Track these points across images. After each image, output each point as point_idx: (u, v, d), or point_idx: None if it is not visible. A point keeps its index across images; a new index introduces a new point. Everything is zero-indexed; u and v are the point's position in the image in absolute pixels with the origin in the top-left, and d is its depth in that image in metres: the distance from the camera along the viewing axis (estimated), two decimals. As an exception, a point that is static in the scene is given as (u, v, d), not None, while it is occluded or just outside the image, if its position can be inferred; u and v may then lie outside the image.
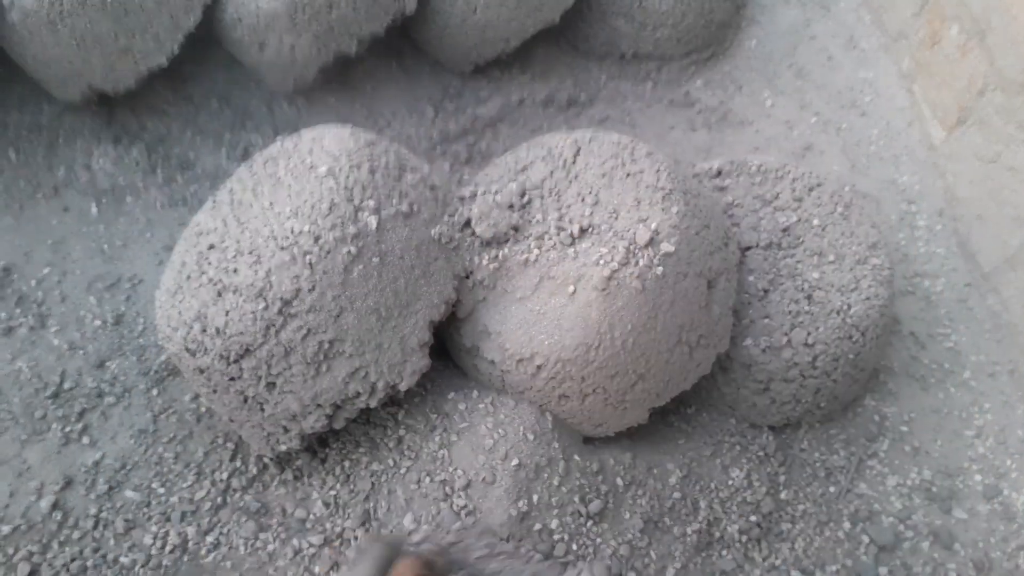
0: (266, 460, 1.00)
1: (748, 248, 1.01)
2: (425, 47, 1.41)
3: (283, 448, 0.93)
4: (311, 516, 0.95)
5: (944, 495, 1.04)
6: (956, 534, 1.01)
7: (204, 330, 0.84)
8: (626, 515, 0.90)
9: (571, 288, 0.88)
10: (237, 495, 0.98)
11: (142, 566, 0.93)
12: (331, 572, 0.93)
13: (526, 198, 0.94)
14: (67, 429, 1.01)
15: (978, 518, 1.03)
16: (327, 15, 1.21)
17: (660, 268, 0.86)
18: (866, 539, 0.98)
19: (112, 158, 1.25)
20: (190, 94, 1.34)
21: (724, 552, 0.94)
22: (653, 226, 0.87)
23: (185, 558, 0.94)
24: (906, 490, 1.04)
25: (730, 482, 0.98)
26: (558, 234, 0.91)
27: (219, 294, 0.84)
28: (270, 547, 0.94)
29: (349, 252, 0.83)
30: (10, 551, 0.92)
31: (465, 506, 0.86)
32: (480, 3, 1.27)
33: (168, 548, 0.95)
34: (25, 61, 1.18)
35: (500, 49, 1.35)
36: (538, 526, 0.86)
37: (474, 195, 0.99)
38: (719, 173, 1.08)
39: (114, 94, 1.23)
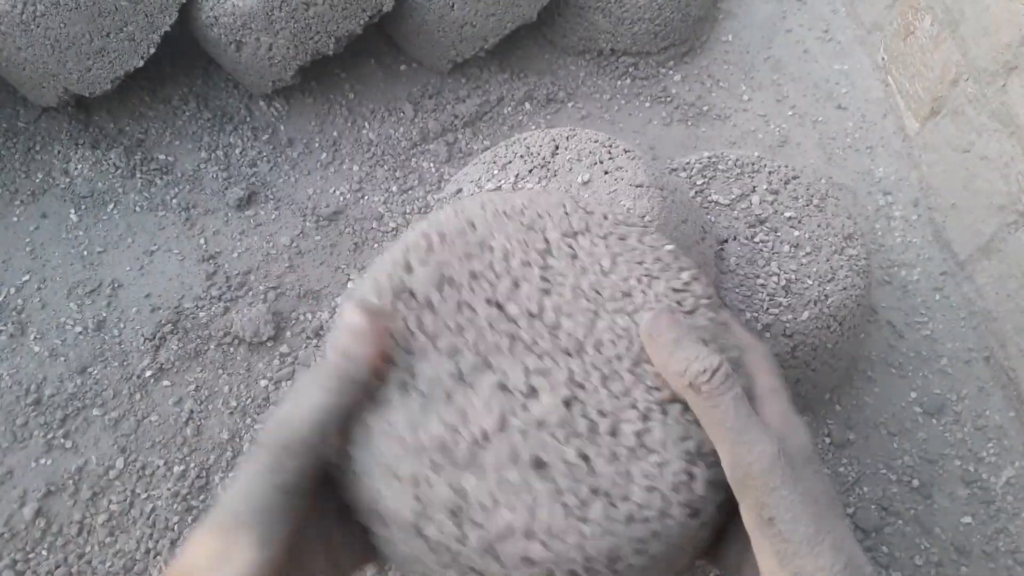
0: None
1: (725, 241, 1.02)
2: (403, 45, 1.41)
3: None
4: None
5: (924, 481, 1.05)
6: (937, 519, 1.03)
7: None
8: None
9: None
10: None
11: (127, 572, 0.93)
12: None
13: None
14: (49, 436, 1.01)
15: (958, 503, 1.04)
16: (304, 14, 1.20)
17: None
18: (848, 524, 1.00)
19: (90, 162, 1.24)
20: (168, 96, 1.33)
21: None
22: (632, 221, 0.87)
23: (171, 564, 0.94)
24: (887, 476, 1.06)
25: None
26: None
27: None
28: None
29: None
30: (-6, 559, 0.92)
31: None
32: (457, 0, 1.27)
33: (153, 554, 0.95)
34: (-1, 65, 1.18)
35: (478, 47, 1.35)
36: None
37: (454, 194, 1.00)
38: (696, 168, 1.09)
39: (90, 97, 1.22)
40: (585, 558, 0.39)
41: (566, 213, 0.49)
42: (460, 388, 0.42)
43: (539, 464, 0.40)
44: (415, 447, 0.41)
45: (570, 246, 0.47)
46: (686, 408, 0.43)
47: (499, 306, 0.44)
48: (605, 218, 0.49)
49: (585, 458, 0.41)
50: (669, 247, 0.49)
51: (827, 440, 1.08)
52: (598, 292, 0.46)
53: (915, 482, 1.05)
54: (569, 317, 0.44)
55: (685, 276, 0.48)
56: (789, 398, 0.46)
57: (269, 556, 0.38)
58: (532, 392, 0.42)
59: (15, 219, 1.19)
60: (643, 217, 0.88)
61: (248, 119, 1.33)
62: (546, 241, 0.47)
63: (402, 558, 0.43)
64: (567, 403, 0.42)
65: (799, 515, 0.39)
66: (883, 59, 1.44)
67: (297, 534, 0.40)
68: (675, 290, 0.47)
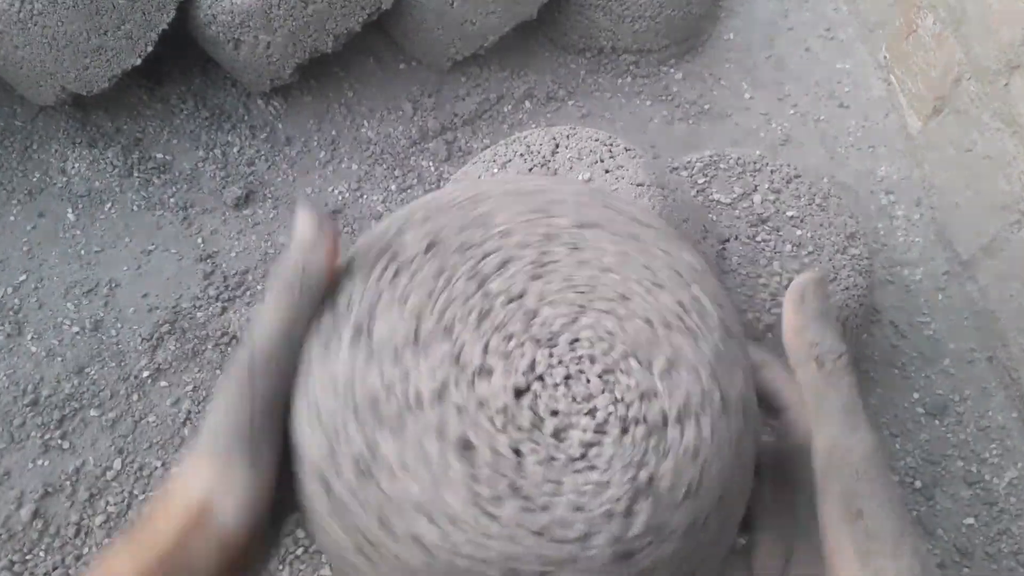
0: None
1: (727, 240, 1.02)
2: (402, 43, 1.40)
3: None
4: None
5: (927, 482, 1.05)
6: (939, 520, 1.02)
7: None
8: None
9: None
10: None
11: (125, 573, 0.93)
12: None
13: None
14: (46, 437, 1.00)
15: (960, 504, 1.04)
16: (302, 11, 1.19)
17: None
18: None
19: (87, 161, 1.24)
20: (165, 94, 1.33)
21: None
22: (633, 221, 0.87)
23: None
24: (889, 478, 1.05)
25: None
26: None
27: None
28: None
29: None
30: (-9, 561, 0.92)
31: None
32: (457, -1, 1.27)
33: (151, 554, 0.94)
34: (-4, 64, 1.17)
35: (478, 45, 1.35)
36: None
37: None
38: (698, 166, 1.09)
39: (88, 95, 1.21)
40: (480, 559, 0.36)
41: (581, 204, 0.46)
42: (411, 350, 0.38)
43: (465, 445, 0.37)
44: (345, 395, 0.38)
45: (576, 236, 0.45)
46: (651, 433, 0.38)
47: (481, 281, 0.42)
48: (621, 214, 0.45)
49: (517, 452, 0.37)
50: (690, 258, 0.47)
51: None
52: (591, 287, 0.42)
53: (917, 483, 1.05)
54: (551, 306, 0.41)
55: (696, 291, 0.43)
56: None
57: (265, 479, 0.37)
58: (484, 371, 0.38)
59: (12, 218, 1.18)
60: (644, 217, 0.88)
61: (246, 118, 1.32)
62: (551, 227, 0.44)
63: (314, 524, 0.40)
64: (517, 391, 0.38)
65: (888, 512, 0.37)
66: (885, 58, 1.44)
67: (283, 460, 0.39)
68: (681, 305, 0.44)
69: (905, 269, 1.23)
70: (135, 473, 0.99)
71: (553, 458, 0.37)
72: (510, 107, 1.38)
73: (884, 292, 1.21)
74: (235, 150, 1.28)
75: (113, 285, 1.13)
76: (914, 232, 1.27)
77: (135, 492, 0.98)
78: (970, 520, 1.02)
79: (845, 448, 0.38)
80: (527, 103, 1.39)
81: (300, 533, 0.95)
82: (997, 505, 1.03)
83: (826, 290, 0.42)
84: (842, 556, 0.38)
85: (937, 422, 1.10)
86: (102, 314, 1.10)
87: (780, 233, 1.02)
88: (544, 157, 0.95)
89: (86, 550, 0.94)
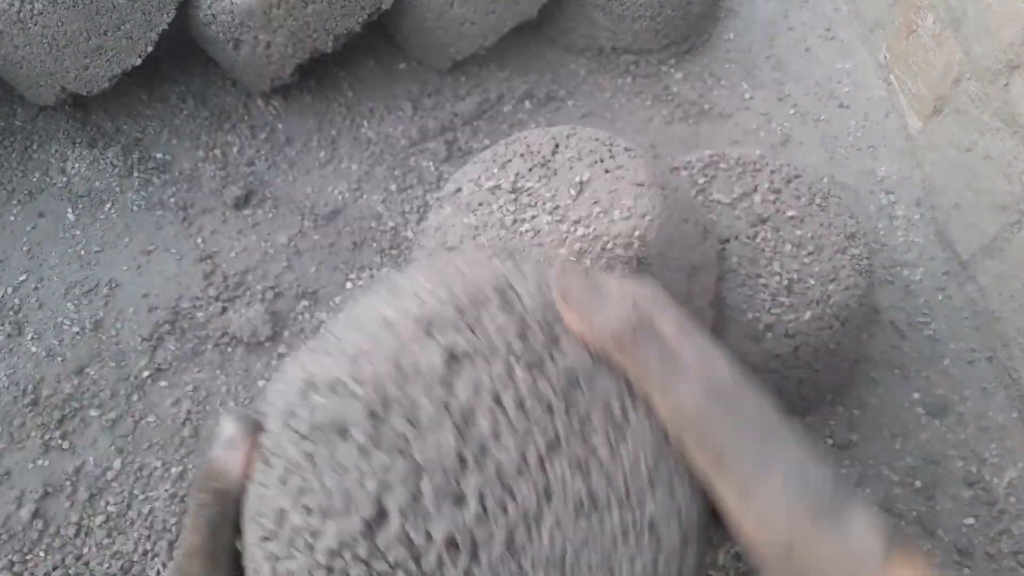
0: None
1: (727, 240, 1.02)
2: (402, 44, 1.40)
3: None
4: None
5: (927, 482, 1.05)
6: (939, 520, 1.02)
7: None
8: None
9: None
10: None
11: (125, 574, 0.93)
12: None
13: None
14: (47, 437, 1.00)
15: (960, 504, 1.04)
16: (302, 11, 1.20)
17: (640, 263, 0.86)
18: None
19: (88, 161, 1.24)
20: (166, 95, 1.33)
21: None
22: (632, 221, 0.87)
23: (169, 565, 0.93)
24: (889, 478, 1.05)
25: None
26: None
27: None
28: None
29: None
30: (-10, 561, 0.92)
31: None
32: (457, -1, 1.27)
33: (151, 556, 0.94)
34: (-4, 64, 1.17)
35: (478, 45, 1.35)
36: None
37: (453, 193, 0.99)
38: (698, 167, 1.09)
39: (88, 95, 1.21)
40: None
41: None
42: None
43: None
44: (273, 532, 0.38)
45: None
46: None
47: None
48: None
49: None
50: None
51: (829, 441, 1.07)
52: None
53: (917, 483, 1.05)
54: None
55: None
56: (698, 330, 0.42)
57: None
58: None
59: (12, 218, 1.18)
60: (644, 216, 0.88)
61: (246, 118, 1.32)
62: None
63: None
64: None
65: (743, 444, 0.37)
66: (885, 58, 1.43)
67: None
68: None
69: (905, 269, 1.23)
70: (135, 473, 0.99)
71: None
72: (510, 107, 1.38)
73: (884, 292, 1.21)
74: (235, 150, 1.28)
75: (113, 285, 1.13)
76: (914, 232, 1.27)
77: (135, 492, 0.98)
78: (970, 520, 1.02)
79: (676, 408, 0.38)
80: (527, 103, 1.39)
81: None
82: (997, 505, 1.03)
83: (582, 274, 0.42)
84: (728, 503, 0.38)
85: (937, 422, 1.10)
86: (102, 314, 1.10)
87: (780, 233, 1.02)
88: (544, 157, 0.95)
89: (86, 550, 0.94)
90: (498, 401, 0.39)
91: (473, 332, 0.41)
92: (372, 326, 0.42)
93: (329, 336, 0.43)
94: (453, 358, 0.40)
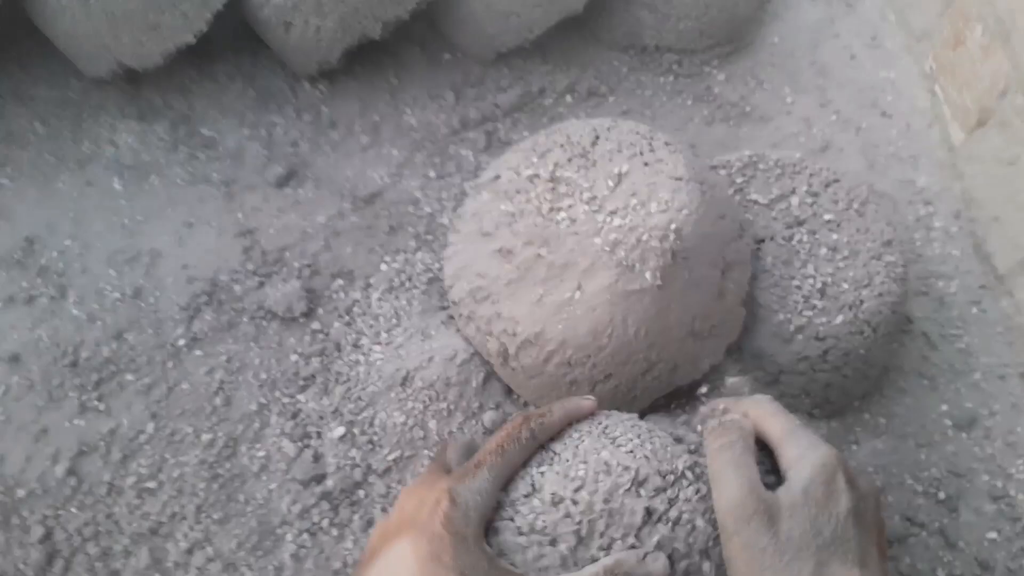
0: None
1: (762, 240, 1.02)
2: (448, 34, 1.42)
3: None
4: (321, 490, 0.97)
5: (951, 494, 1.04)
6: (962, 532, 1.01)
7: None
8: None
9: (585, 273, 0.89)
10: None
11: (153, 534, 0.95)
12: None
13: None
14: (84, 398, 1.03)
15: (984, 518, 1.03)
16: (353, -3, 1.21)
17: (675, 257, 0.87)
18: None
19: (136, 134, 1.27)
20: (215, 73, 1.35)
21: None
22: (669, 215, 0.87)
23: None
24: (912, 487, 1.04)
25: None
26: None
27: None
28: (279, 519, 0.96)
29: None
30: (25, 514, 0.94)
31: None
32: (504, -10, 1.28)
33: (179, 518, 0.96)
34: (56, 36, 1.20)
35: (523, 37, 1.36)
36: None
37: (492, 180, 1.00)
38: (736, 166, 1.09)
39: (141, 71, 1.24)
40: None
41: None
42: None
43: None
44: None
45: None
46: None
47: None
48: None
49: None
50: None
51: (854, 447, 1.07)
52: None
53: (941, 495, 1.04)
54: None
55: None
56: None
57: None
58: None
59: (61, 185, 1.21)
60: (681, 210, 0.88)
61: (292, 100, 1.34)
62: None
63: None
64: None
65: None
66: (931, 68, 1.42)
67: None
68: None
69: (940, 281, 1.23)
70: (167, 438, 1.01)
71: None
72: (551, 100, 1.39)
73: (918, 303, 1.20)
74: (279, 130, 1.30)
75: (154, 255, 1.15)
76: (951, 244, 1.26)
77: (166, 456, 1.00)
78: (993, 535, 1.01)
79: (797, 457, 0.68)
80: (568, 97, 1.40)
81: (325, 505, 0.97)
82: (1021, 521, 1.02)
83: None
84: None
85: (964, 435, 1.09)
86: (142, 282, 1.12)
87: (816, 236, 1.02)
88: (584, 148, 0.96)
89: (116, 509, 0.96)
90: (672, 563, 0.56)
91: (670, 503, 0.58)
92: (596, 464, 0.61)
93: (559, 457, 0.64)
94: (650, 515, 0.58)
